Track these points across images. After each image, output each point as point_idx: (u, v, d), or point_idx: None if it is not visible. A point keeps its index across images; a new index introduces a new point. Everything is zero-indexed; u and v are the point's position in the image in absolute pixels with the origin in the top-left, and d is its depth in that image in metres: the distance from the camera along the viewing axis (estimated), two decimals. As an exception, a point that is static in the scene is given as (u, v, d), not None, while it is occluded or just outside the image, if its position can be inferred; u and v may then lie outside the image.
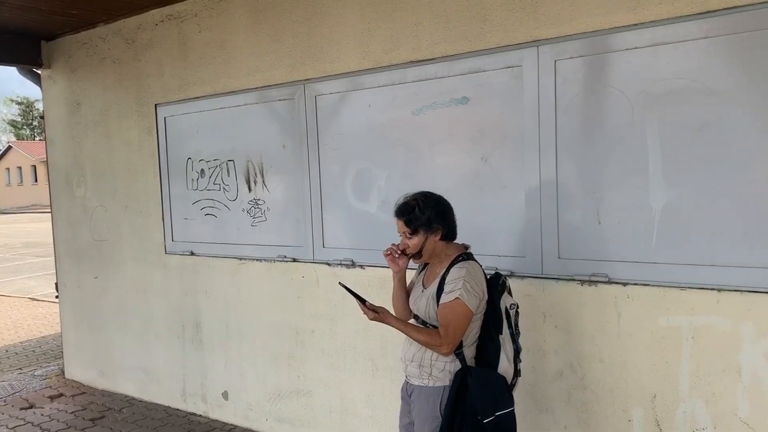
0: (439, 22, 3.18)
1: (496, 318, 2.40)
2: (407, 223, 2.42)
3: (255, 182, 4.06)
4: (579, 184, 2.81)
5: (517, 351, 2.44)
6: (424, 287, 2.51)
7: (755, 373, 2.45)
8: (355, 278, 3.60)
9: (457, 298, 2.32)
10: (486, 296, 2.39)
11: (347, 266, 3.64)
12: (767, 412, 2.44)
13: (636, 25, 2.62)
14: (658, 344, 2.66)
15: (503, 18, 2.97)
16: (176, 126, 4.47)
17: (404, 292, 2.60)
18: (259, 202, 4.05)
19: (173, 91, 4.43)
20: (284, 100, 3.83)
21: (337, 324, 3.74)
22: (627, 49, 2.64)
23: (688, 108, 2.52)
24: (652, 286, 2.66)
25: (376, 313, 2.42)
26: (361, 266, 3.59)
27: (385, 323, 2.43)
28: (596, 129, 2.75)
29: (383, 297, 3.44)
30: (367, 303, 2.45)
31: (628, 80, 2.65)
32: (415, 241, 2.42)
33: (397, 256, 2.50)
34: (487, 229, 3.07)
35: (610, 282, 2.75)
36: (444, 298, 2.35)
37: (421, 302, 2.47)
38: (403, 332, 2.42)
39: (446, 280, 2.37)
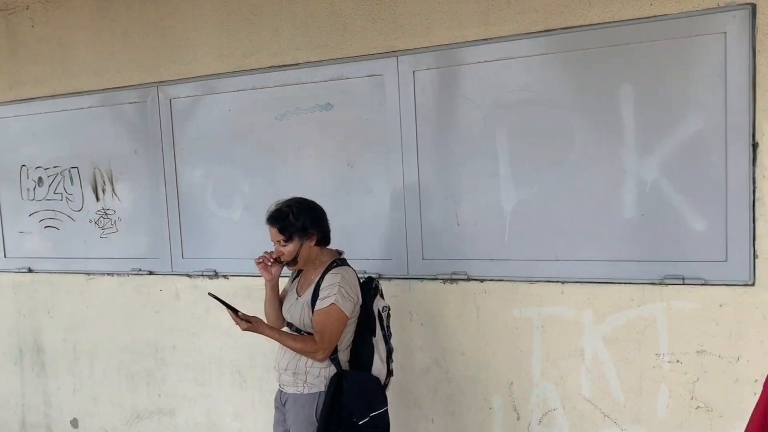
0: (299, 28, 3.18)
1: (369, 321, 2.46)
2: (281, 231, 2.39)
3: (103, 191, 3.77)
4: (439, 187, 2.96)
5: (389, 351, 2.51)
6: (299, 295, 2.50)
7: (595, 355, 2.75)
8: (219, 289, 3.48)
9: (332, 303, 2.34)
10: (360, 300, 2.43)
11: (210, 277, 3.51)
12: (606, 389, 2.74)
13: (486, 39, 2.81)
14: (513, 335, 2.88)
15: (363, 27, 3.04)
16: (6, 130, 4.02)
17: (278, 300, 2.58)
18: (108, 212, 3.77)
19: (2, 91, 3.98)
20: (135, 102, 3.61)
21: (200, 338, 3.59)
22: (479, 62, 2.83)
23: (532, 117, 2.76)
24: (506, 281, 2.87)
25: (249, 323, 2.37)
26: (225, 276, 3.48)
27: (259, 333, 2.38)
28: (453, 136, 2.91)
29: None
30: (239, 313, 2.38)
31: (480, 91, 2.84)
32: (290, 248, 2.41)
33: (269, 264, 2.46)
34: (354, 233, 3.12)
35: (469, 279, 2.93)
36: (319, 305, 2.36)
37: (296, 310, 2.45)
38: (277, 341, 2.40)
39: (321, 287, 2.38)
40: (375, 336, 2.47)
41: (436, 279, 2.99)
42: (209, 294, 2.46)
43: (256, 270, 3.29)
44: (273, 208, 2.45)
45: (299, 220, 2.40)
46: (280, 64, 3.23)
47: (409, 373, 3.09)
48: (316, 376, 2.40)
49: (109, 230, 3.77)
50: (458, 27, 2.86)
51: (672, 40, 2.53)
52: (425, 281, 3.02)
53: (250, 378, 3.49)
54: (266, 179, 3.33)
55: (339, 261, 2.48)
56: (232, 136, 3.38)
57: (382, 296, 2.55)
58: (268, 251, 2.49)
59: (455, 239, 2.95)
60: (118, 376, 3.85)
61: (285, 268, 2.52)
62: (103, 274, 3.82)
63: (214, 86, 3.40)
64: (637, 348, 2.67)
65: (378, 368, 2.45)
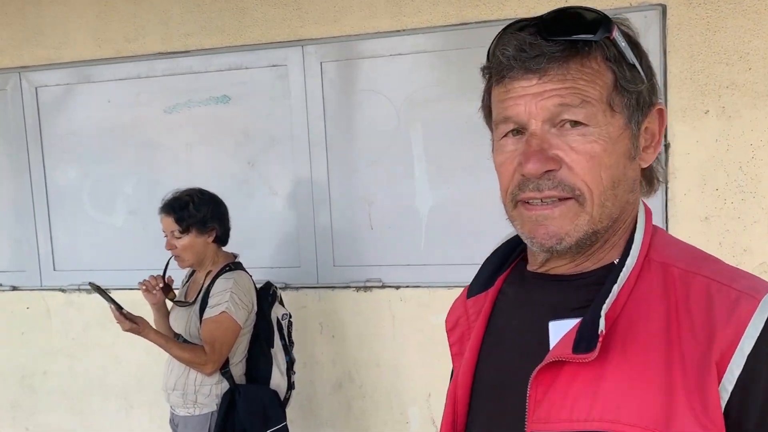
0: (191, 11, 2.84)
1: (267, 330, 2.23)
2: (178, 221, 2.11)
3: (-47, 193, 3.21)
4: (350, 189, 2.75)
5: (290, 363, 2.30)
6: (187, 301, 2.21)
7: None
8: (99, 305, 3.05)
9: (223, 311, 2.08)
10: (255, 308, 2.19)
11: (88, 291, 3.07)
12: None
13: (398, 31, 2.64)
14: (430, 342, 2.74)
15: (264, 13, 2.76)
16: None
17: (167, 320, 2.26)
18: (-40, 218, 3.21)
19: None
20: (-5, 91, 3.09)
21: (78, 360, 3.14)
22: (391, 55, 2.65)
23: (447, 115, 2.62)
24: (423, 287, 2.72)
25: (134, 323, 2.05)
26: (106, 290, 3.06)
27: (142, 336, 2.07)
28: (365, 134, 2.72)
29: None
30: (123, 311, 2.06)
31: (393, 86, 2.66)
32: (184, 242, 2.13)
33: (155, 292, 2.15)
34: (257, 238, 2.84)
35: (384, 286, 2.75)
36: (208, 313, 2.09)
37: (182, 318, 2.17)
38: (163, 348, 2.10)
39: (211, 293, 2.12)
40: (273, 347, 2.23)
41: (349, 287, 2.79)
42: (90, 284, 2.16)
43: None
44: (170, 196, 2.19)
45: (200, 211, 2.14)
46: (169, 51, 2.88)
47: (319, 389, 2.86)
48: (206, 394, 2.13)
49: (-38, 240, 3.22)
50: (369, 17, 2.66)
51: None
52: (336, 290, 2.80)
53: (137, 403, 3.10)
54: (153, 180, 2.96)
55: (233, 265, 2.22)
56: (113, 131, 2.98)
57: (281, 303, 2.32)
58: (155, 275, 2.17)
59: (369, 244, 2.76)
60: (-26, 409, 3.31)
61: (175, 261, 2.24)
62: (-48, 291, 3.26)
63: (90, 74, 2.97)
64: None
65: (277, 381, 2.23)
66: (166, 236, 2.18)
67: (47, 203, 3.08)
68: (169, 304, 2.31)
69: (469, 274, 2.62)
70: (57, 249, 3.10)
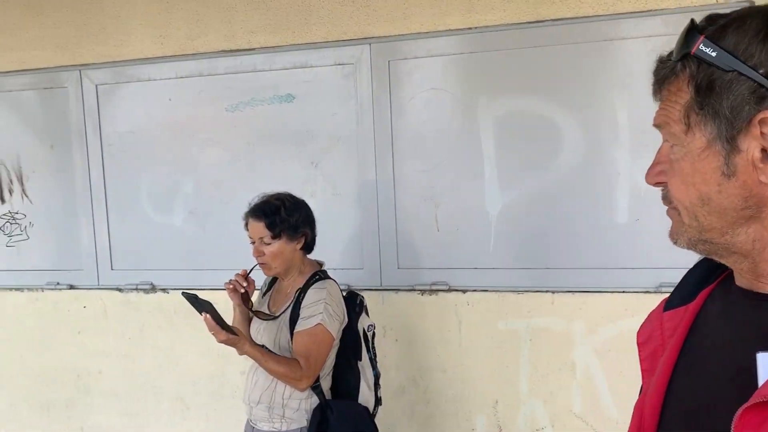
0: (255, 9, 2.80)
1: (354, 343, 2.15)
2: (270, 226, 2.04)
3: (10, 191, 3.20)
4: (417, 190, 2.69)
5: (376, 377, 2.21)
6: (272, 312, 2.14)
7: (586, 369, 2.59)
8: (156, 305, 3.04)
9: (319, 323, 2.01)
10: (346, 320, 2.12)
11: (145, 291, 3.05)
12: (597, 405, 2.58)
13: (469, 29, 2.58)
14: (499, 349, 2.66)
15: (330, 9, 2.72)
16: None
17: (248, 323, 2.20)
18: (17, 216, 3.20)
19: None
20: (52, 88, 3.07)
21: (133, 361, 3.11)
22: (462, 53, 2.59)
23: (520, 114, 2.55)
24: (491, 291, 2.65)
25: (232, 334, 1.95)
26: (164, 290, 3.03)
27: (237, 348, 1.98)
28: (433, 134, 2.65)
29: (194, 326, 2.95)
30: (222, 321, 1.95)
31: (463, 85, 2.60)
32: (274, 249, 2.06)
33: (242, 290, 2.09)
34: (319, 240, 2.76)
35: (450, 290, 2.68)
36: (302, 324, 2.02)
37: (270, 331, 2.09)
38: (258, 361, 2.00)
39: (303, 303, 2.05)
40: (361, 360, 2.16)
41: (413, 290, 2.72)
42: (183, 294, 2.01)
43: (202, 282, 2.92)
44: (258, 200, 2.12)
45: (292, 216, 2.07)
46: (233, 49, 2.84)
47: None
48: (295, 409, 2.05)
49: (18, 237, 3.20)
50: (440, 14, 2.60)
51: (667, 37, 2.40)
52: (401, 293, 2.74)
53: (194, 405, 3.06)
54: (213, 179, 2.92)
55: (321, 273, 2.15)
56: (173, 129, 2.94)
57: (367, 313, 2.25)
58: (240, 273, 2.11)
59: (435, 246, 2.70)
60: (29, 408, 3.28)
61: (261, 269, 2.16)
62: (9, 289, 3.24)
63: (151, 72, 2.94)
64: (631, 359, 2.52)
65: (366, 396, 2.15)
66: (253, 242, 2.09)
67: (105, 202, 3.06)
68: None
69: (540, 279, 2.57)
70: (114, 248, 3.07)
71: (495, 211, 2.61)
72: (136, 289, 3.05)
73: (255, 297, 2.29)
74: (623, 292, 2.51)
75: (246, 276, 2.13)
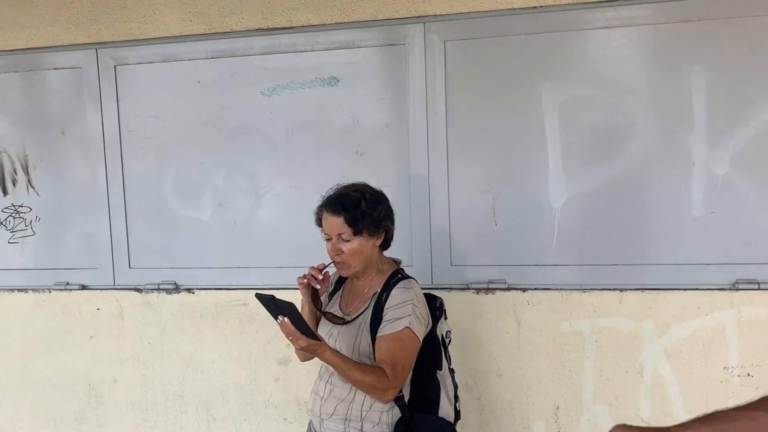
0: (296, -16, 2.58)
1: (435, 350, 1.93)
2: (350, 221, 1.81)
3: (14, 182, 2.90)
4: (473, 180, 2.50)
5: (455, 388, 2.00)
6: (345, 315, 1.92)
7: (656, 371, 2.43)
8: (179, 307, 2.78)
9: (407, 327, 1.79)
10: (431, 324, 1.91)
11: (168, 291, 2.79)
12: (667, 410, 2.43)
13: (535, 8, 2.41)
14: (561, 351, 2.49)
15: (379, -14, 2.52)
16: None
17: (316, 321, 1.98)
18: (21, 209, 2.91)
19: None
20: (65, 69, 2.79)
21: (153, 368, 2.85)
22: (527, 34, 2.42)
23: (588, 100, 2.38)
24: (553, 289, 2.48)
25: (316, 341, 1.71)
26: (190, 290, 2.78)
27: (317, 355, 1.74)
28: (492, 121, 2.47)
29: (222, 329, 2.72)
30: (304, 327, 1.69)
31: (524, 68, 2.43)
32: (354, 246, 1.83)
33: (317, 286, 1.87)
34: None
35: (508, 288, 2.50)
36: (388, 328, 1.79)
37: (347, 334, 1.87)
38: (341, 371, 1.77)
39: (387, 305, 1.82)
40: (441, 369, 1.94)
41: (468, 289, 2.53)
42: (258, 296, 1.74)
43: (232, 282, 2.68)
44: (334, 192, 1.88)
45: (374, 210, 1.84)
46: (270, 27, 2.61)
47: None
48: (375, 423, 1.83)
49: (23, 233, 2.91)
50: (501, -9, 2.42)
51: (752, 18, 2.27)
52: (453, 291, 2.54)
53: (221, 416, 2.81)
54: (246, 170, 2.69)
55: (401, 272, 1.94)
56: (202, 115, 2.70)
57: (446, 317, 2.04)
58: (315, 267, 1.88)
59: (492, 242, 2.51)
60: (35, 419, 2.98)
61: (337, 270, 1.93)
62: (12, 289, 2.94)
63: (177, 51, 2.69)
64: (704, 361, 2.38)
65: (445, 410, 1.92)
66: (328, 239, 1.85)
67: (123, 193, 2.79)
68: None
69: (607, 276, 2.40)
70: (133, 245, 2.80)
71: (559, 203, 2.44)
72: (158, 289, 2.79)
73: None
74: (696, 289, 2.36)
75: (322, 270, 1.89)
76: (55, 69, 2.80)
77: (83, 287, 2.86)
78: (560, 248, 2.45)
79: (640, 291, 2.41)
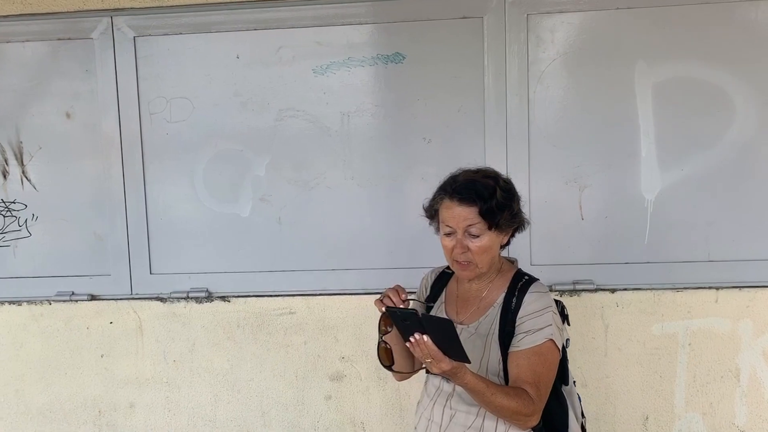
0: (355, -54, 2.27)
1: (562, 362, 1.67)
2: (486, 214, 1.52)
3: (5, 174, 2.44)
4: (557, 169, 2.27)
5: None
6: (460, 323, 1.62)
7: (753, 375, 2.26)
8: (212, 318, 2.40)
9: (549, 339, 1.53)
10: (565, 333, 1.64)
11: (198, 300, 2.40)
12: (765, 415, 2.27)
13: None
14: (651, 357, 2.29)
15: (450, -49, 2.24)
16: None
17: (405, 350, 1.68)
18: (14, 206, 2.45)
19: None
20: (72, 39, 2.36)
21: (179, 390, 2.45)
22: (618, 9, 2.20)
23: (688, 81, 2.19)
24: (644, 290, 2.27)
25: (461, 362, 1.40)
26: (224, 298, 2.40)
27: (456, 379, 1.44)
28: (579, 104, 2.24)
29: (263, 342, 2.37)
30: (445, 345, 1.37)
31: (617, 46, 2.21)
32: (484, 243, 1.54)
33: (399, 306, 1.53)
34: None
35: (596, 289, 2.27)
36: (527, 341, 1.52)
37: (469, 349, 1.55)
38: (481, 396, 1.46)
39: (522, 313, 1.55)
40: (567, 384, 1.69)
41: (552, 290, 2.28)
42: (387, 309, 1.43)
43: (276, 287, 2.35)
44: (461, 178, 1.58)
45: (513, 201, 1.58)
46: (324, -5, 2.29)
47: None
48: None
49: (15, 234, 2.45)
50: (591, -39, 2.19)
51: None
52: (534, 293, 2.29)
53: (261, 442, 2.45)
54: (294, 159, 2.35)
55: (525, 273, 1.66)
56: (241, 95, 2.34)
57: (568, 323, 1.77)
58: (395, 290, 1.55)
59: (578, 238, 2.28)
60: (28, 457, 2.52)
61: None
62: (2, 302, 2.47)
63: (211, 21, 2.32)
64: (804, 363, 2.24)
65: (574, 430, 1.67)
66: (451, 232, 1.56)
67: (144, 188, 2.38)
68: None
69: (702, 274, 2.21)
70: (156, 246, 2.40)
71: (652, 195, 2.24)
72: (186, 297, 2.39)
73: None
74: (797, 286, 2.21)
75: (404, 300, 1.54)
76: (59, 39, 2.36)
77: (92, 297, 2.43)
78: (652, 244, 2.25)
79: (737, 289, 2.24)
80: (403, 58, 2.28)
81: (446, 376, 1.43)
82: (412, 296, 1.66)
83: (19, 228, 2.44)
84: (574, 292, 2.28)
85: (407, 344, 1.40)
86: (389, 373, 1.71)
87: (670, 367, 2.29)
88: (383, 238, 2.34)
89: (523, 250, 2.28)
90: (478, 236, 1.53)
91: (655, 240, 2.25)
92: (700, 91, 2.19)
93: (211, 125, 2.35)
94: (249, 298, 2.39)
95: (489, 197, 1.52)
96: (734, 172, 2.21)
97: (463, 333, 1.60)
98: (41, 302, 2.45)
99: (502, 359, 1.55)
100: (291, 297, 2.37)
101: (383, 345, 1.66)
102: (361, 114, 2.31)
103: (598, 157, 2.25)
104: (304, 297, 2.37)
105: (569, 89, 2.24)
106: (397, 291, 1.56)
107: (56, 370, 2.47)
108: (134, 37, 2.34)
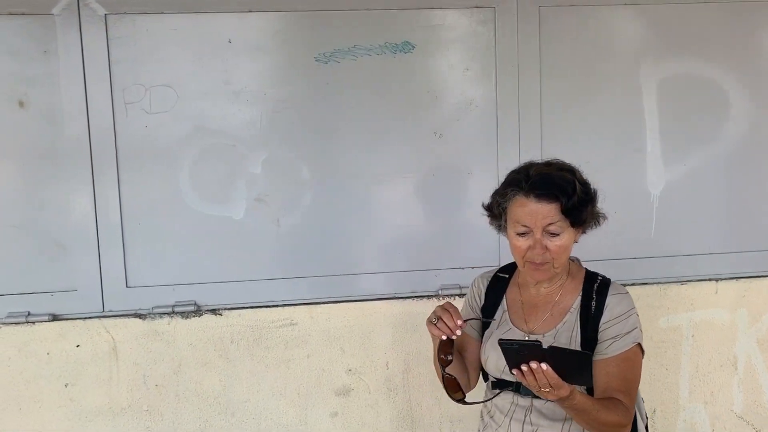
0: (359, -73, 2.11)
1: None
2: (570, 211, 1.40)
3: (-62, 173, 2.03)
4: (568, 166, 2.23)
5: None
6: (530, 331, 1.51)
7: (748, 363, 2.35)
8: (202, 334, 2.13)
9: (637, 343, 1.46)
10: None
11: (185, 315, 2.12)
12: (759, 401, 2.36)
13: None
14: (658, 350, 2.31)
15: (459, -62, 2.15)
16: None
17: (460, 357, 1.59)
18: (-50, 212, 2.04)
19: None
20: (26, 15, 2.00)
21: (162, 418, 2.14)
22: (626, 4, 2.21)
23: (691, 76, 2.25)
24: (651, 283, 2.29)
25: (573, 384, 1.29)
26: (215, 311, 2.14)
27: (566, 403, 1.32)
28: (587, 98, 2.23)
29: (260, 358, 2.15)
30: (564, 370, 1.25)
31: (623, 41, 2.23)
32: (563, 242, 1.44)
33: (454, 336, 1.41)
34: (446, 230, 2.20)
35: (607, 285, 2.26)
36: (615, 347, 1.44)
37: None
38: (586, 415, 1.35)
39: (606, 318, 1.46)
40: None
41: (565, 288, 2.24)
42: (502, 343, 1.26)
43: (275, 296, 2.16)
44: (533, 171, 1.45)
45: (595, 196, 1.49)
46: (328, -24, 2.11)
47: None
48: None
49: (-48, 247, 2.04)
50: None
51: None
52: (547, 292, 2.24)
53: (260, 470, 2.20)
54: (292, 155, 2.14)
55: (596, 273, 1.59)
56: (233, 84, 2.09)
57: None
58: (445, 309, 1.41)
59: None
60: None
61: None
62: (-66, 329, 2.05)
63: (199, 1, 2.06)
64: (794, 349, 2.36)
65: None
66: (526, 231, 1.43)
67: (118, 187, 2.07)
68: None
69: (704, 266, 2.28)
70: (132, 255, 2.09)
71: (657, 190, 2.27)
72: (171, 312, 2.11)
73: (460, 305, 1.64)
74: (789, 274, 2.33)
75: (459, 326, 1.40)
76: (10, 15, 2.00)
77: (54, 317, 2.07)
78: (659, 238, 2.29)
79: (734, 280, 2.32)
80: (413, 47, 2.15)
81: (557, 399, 1.31)
82: (461, 299, 1.53)
83: (-43, 236, 2.04)
84: (585, 289, 2.25)
85: (514, 372, 1.27)
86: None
87: (675, 360, 2.32)
88: (391, 239, 2.20)
89: (535, 247, 2.22)
90: (557, 234, 1.42)
91: (661, 234, 2.28)
92: (702, 87, 2.24)
93: (199, 117, 2.09)
94: (244, 310, 2.14)
95: (571, 192, 1.42)
96: (735, 165, 2.28)
97: (549, 342, 1.49)
98: (-13, 326, 2.06)
99: (604, 367, 1.44)
100: (292, 306, 2.16)
101: (449, 377, 1.50)
102: (368, 106, 2.15)
103: (606, 151, 2.25)
104: (306, 306, 2.16)
105: (578, 83, 2.22)
106: (449, 313, 1.41)
107: (8, 405, 2.08)
108: (105, 14, 2.02)
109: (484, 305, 1.62)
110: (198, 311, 2.12)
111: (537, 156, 2.19)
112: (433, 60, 2.16)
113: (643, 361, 2.19)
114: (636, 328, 1.47)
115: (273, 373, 2.17)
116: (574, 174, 1.47)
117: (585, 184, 1.48)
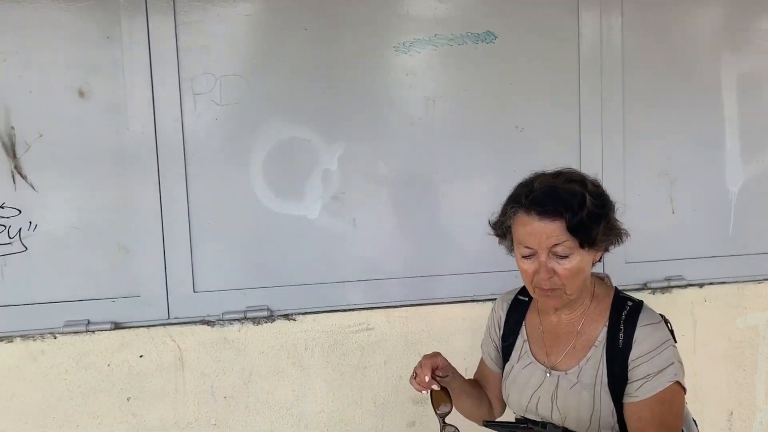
0: None
1: None
2: (576, 229, 1.25)
3: (-9, 171, 1.85)
4: (648, 162, 2.18)
5: None
6: (553, 368, 1.39)
7: (823, 361, 2.32)
8: (274, 341, 2.00)
9: (676, 381, 1.29)
10: None
11: (256, 321, 1.98)
12: (833, 399, 2.34)
13: (713, -32, 2.16)
14: (735, 350, 2.27)
15: (540, -74, 2.06)
16: None
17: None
18: (1, 212, 1.86)
19: None
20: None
21: (230, 430, 2.00)
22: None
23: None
24: (729, 283, 2.24)
25: None
26: (288, 316, 2.01)
27: None
28: (669, 91, 2.17)
29: (336, 365, 2.03)
30: None
31: (709, 31, 2.17)
32: (574, 264, 1.28)
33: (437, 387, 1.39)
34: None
35: (687, 285, 2.20)
36: (648, 388, 1.28)
37: (581, 398, 1.33)
38: None
39: (636, 353, 1.30)
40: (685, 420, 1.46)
41: (644, 288, 2.18)
42: (491, 425, 1.29)
43: (351, 300, 2.10)
44: (538, 183, 1.30)
45: (610, 210, 1.32)
46: (409, -38, 2.00)
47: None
48: None
49: (5, 249, 1.87)
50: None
51: None
52: (630, 293, 2.16)
53: (333, 484, 2.08)
54: (371, 150, 2.02)
55: (626, 296, 1.42)
56: (309, 74, 1.97)
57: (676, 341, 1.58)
58: (423, 368, 1.40)
59: (669, 232, 2.20)
60: None
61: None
62: (-16, 340, 1.87)
63: (273, -16, 1.93)
64: None
65: None
66: (530, 254, 1.29)
67: (186, 186, 1.92)
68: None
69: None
70: (200, 258, 1.95)
71: (736, 187, 2.22)
72: (243, 318, 1.97)
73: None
74: None
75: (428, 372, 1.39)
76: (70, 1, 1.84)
77: (116, 326, 1.92)
78: (737, 236, 2.24)
79: (811, 277, 2.29)
80: (495, 37, 2.05)
81: None
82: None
83: (10, 240, 1.86)
84: (666, 288, 2.19)
85: None
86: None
87: (752, 360, 2.28)
88: (470, 238, 2.09)
89: (619, 248, 2.14)
90: (566, 257, 1.26)
91: (739, 232, 2.24)
92: (780, 82, 2.21)
93: (271, 108, 1.95)
94: (318, 315, 2.02)
95: (578, 207, 1.25)
96: (808, 163, 2.25)
97: (562, 382, 1.36)
98: (42, 336, 1.88)
99: (616, 410, 1.31)
100: (368, 310, 2.04)
101: (453, 429, 1.39)
102: (448, 98, 2.05)
103: (687, 148, 2.19)
104: (383, 309, 2.05)
105: (664, 74, 2.15)
106: (421, 368, 1.38)
107: (65, 422, 1.91)
108: (174, 0, 1.87)
109: (503, 333, 1.50)
110: (271, 316, 1.99)
111: (619, 152, 2.14)
112: (516, 50, 2.06)
113: (721, 361, 2.14)
114: (672, 363, 1.29)
115: (349, 381, 2.05)
116: (584, 185, 1.30)
117: (598, 197, 1.30)
